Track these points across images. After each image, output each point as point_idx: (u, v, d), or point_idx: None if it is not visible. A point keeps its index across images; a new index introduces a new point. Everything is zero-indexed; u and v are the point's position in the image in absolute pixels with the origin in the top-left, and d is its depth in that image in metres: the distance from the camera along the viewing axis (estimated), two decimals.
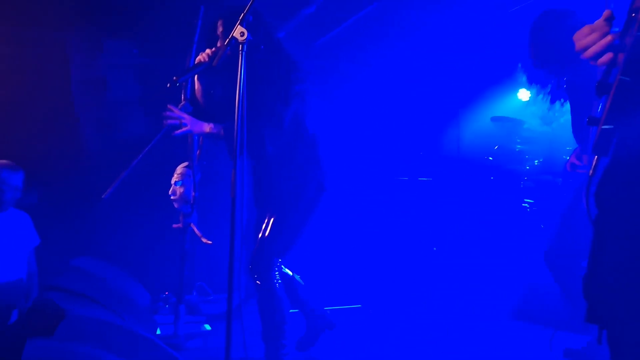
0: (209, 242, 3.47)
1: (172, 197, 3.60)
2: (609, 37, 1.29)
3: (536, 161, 5.56)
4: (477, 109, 6.03)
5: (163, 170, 3.81)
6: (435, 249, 5.65)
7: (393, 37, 5.47)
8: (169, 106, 2.94)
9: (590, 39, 1.31)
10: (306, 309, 3.20)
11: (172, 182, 3.61)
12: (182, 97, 3.55)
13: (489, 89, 5.97)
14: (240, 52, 2.25)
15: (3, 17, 4.87)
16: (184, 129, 2.91)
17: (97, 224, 4.94)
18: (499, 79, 5.78)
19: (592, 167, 1.43)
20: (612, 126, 1.32)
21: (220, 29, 2.95)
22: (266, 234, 2.89)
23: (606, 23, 1.30)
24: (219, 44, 2.94)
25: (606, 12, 1.31)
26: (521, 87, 6.02)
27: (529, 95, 6.10)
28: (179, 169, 3.63)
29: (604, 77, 1.32)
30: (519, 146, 5.71)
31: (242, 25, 2.23)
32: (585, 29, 1.34)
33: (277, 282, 2.86)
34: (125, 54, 5.25)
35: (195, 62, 2.84)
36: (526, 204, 5.29)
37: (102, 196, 3.33)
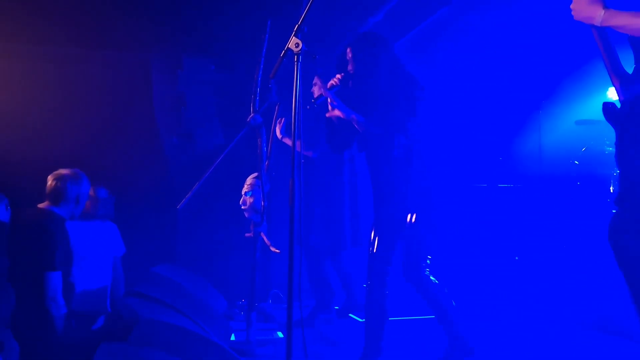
0: (278, 250, 3.53)
1: (242, 207, 3.70)
2: None
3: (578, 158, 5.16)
4: (560, 112, 5.71)
5: (234, 182, 3.94)
6: (517, 258, 5.40)
7: (465, 39, 5.32)
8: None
9: None
10: (446, 320, 3.14)
11: (243, 192, 3.71)
12: (252, 110, 3.65)
13: (572, 88, 5.63)
14: (296, 62, 2.27)
15: (91, 40, 5.27)
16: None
17: (177, 232, 5.19)
18: (584, 77, 5.44)
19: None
20: None
21: (349, 55, 3.18)
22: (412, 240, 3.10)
23: None
24: (349, 68, 3.18)
25: None
26: (611, 86, 5.64)
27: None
28: (249, 179, 3.73)
29: None
30: (609, 148, 5.33)
31: (296, 37, 2.26)
32: None
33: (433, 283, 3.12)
34: (203, 70, 5.49)
35: (328, 86, 3.14)
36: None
37: (177, 206, 3.49)
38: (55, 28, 4.96)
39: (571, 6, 2.12)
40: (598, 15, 2.03)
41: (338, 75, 3.16)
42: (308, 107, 4.02)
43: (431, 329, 3.88)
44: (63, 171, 3.78)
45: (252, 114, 3.62)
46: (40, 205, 3.62)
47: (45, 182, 3.99)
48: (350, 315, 4.50)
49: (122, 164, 5.09)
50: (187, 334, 2.68)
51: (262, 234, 3.61)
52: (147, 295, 3.43)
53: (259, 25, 3.90)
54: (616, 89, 2.12)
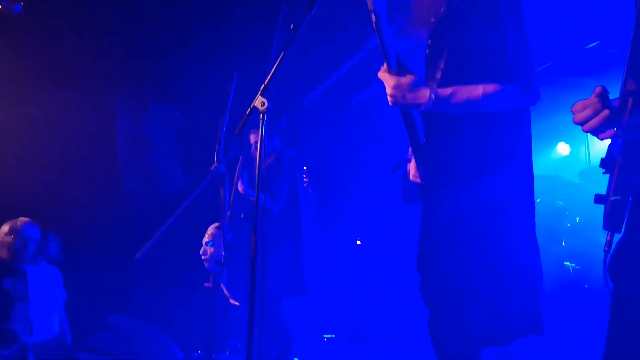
0: (237, 303, 3.49)
1: (203, 257, 3.66)
2: (605, 112, 1.27)
3: (577, 218, 5.36)
4: None
5: (195, 231, 3.90)
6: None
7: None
8: None
9: (585, 114, 1.30)
10: None
11: (204, 242, 3.69)
12: (215, 159, 3.67)
13: None
14: (261, 120, 2.32)
15: (55, 81, 5.23)
16: None
17: (134, 280, 5.07)
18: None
19: (607, 242, 1.39)
20: (619, 197, 1.30)
21: None
22: None
23: (598, 99, 1.29)
24: None
25: (598, 89, 1.30)
26: (560, 141, 5.89)
27: (569, 149, 5.97)
28: (210, 229, 3.71)
29: (608, 155, 1.30)
30: (560, 202, 5.53)
31: (262, 96, 2.31)
32: (579, 104, 1.33)
33: None
34: (167, 115, 5.50)
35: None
36: (569, 265, 5.08)
37: (136, 256, 3.43)
38: (19, 67, 4.91)
39: (389, 92, 1.81)
40: (428, 99, 1.76)
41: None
42: None
43: None
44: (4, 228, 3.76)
45: (215, 164, 3.64)
46: None
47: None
48: None
49: (81, 207, 4.99)
50: None
51: (222, 285, 3.58)
52: (99, 349, 3.32)
53: (225, 75, 3.98)
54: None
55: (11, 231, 3.91)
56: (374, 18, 1.70)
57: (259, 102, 2.32)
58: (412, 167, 2.31)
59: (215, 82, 4.72)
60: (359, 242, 6.15)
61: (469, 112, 1.83)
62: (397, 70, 1.80)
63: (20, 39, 4.50)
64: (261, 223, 2.32)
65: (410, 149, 2.41)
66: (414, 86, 1.77)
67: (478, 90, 1.78)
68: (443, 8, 1.92)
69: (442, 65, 1.90)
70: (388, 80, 1.80)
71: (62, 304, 4.25)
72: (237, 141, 3.57)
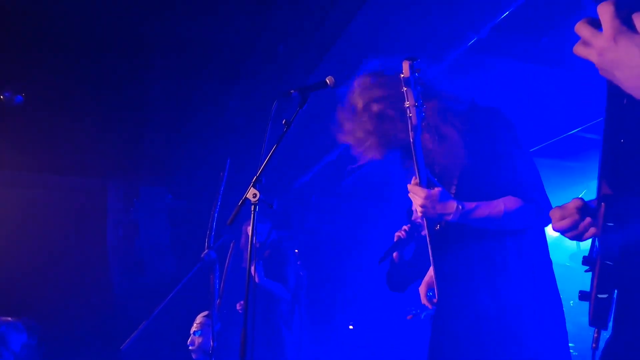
0: None
1: (190, 347, 3.56)
2: (585, 222, 1.31)
3: (571, 302, 5.31)
4: None
5: (183, 319, 3.82)
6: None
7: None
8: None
9: (564, 224, 1.34)
10: None
11: (192, 331, 3.59)
12: (206, 245, 3.65)
13: None
14: (253, 211, 2.34)
15: (47, 165, 5.28)
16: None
17: None
18: None
19: (594, 339, 1.38)
20: (605, 295, 1.31)
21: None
22: None
23: (576, 211, 1.33)
24: None
25: (575, 202, 1.34)
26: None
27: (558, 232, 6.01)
28: (199, 318, 3.63)
29: (590, 252, 1.33)
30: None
31: (254, 187, 2.35)
32: (556, 212, 1.38)
33: None
34: (159, 199, 5.53)
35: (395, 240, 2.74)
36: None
37: (121, 348, 3.32)
38: (12, 152, 4.97)
39: (419, 203, 1.92)
40: (454, 213, 1.89)
41: (405, 227, 2.80)
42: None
43: None
44: None
45: (206, 250, 3.61)
46: None
47: None
48: None
49: (68, 291, 4.90)
50: None
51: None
52: None
53: (218, 161, 4.03)
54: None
55: None
56: (412, 140, 1.91)
57: (251, 193, 2.35)
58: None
59: (207, 168, 4.79)
60: (351, 327, 6.03)
61: (490, 226, 1.94)
62: (427, 184, 1.96)
63: (15, 125, 4.57)
64: (252, 311, 2.28)
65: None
66: (443, 198, 1.91)
67: (500, 205, 1.92)
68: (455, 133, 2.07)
69: (455, 182, 2.07)
70: (419, 192, 1.93)
71: None
72: (228, 229, 3.58)
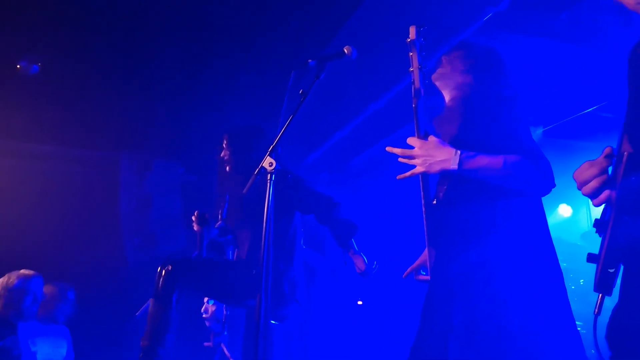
0: None
1: (204, 315, 3.61)
2: (605, 176, 1.29)
3: (581, 281, 5.32)
4: None
5: None
6: None
7: None
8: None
9: (589, 173, 1.32)
10: None
11: (205, 300, 3.64)
12: (219, 217, 3.69)
13: None
14: (269, 180, 2.35)
15: (63, 139, 5.32)
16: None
17: (133, 339, 4.95)
18: None
19: (597, 305, 1.38)
20: (613, 269, 1.30)
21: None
22: None
23: (606, 160, 1.31)
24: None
25: (607, 149, 1.33)
26: (561, 203, 5.92)
27: (571, 211, 5.99)
28: None
29: (602, 216, 1.32)
30: (563, 264, 5.50)
31: (271, 156, 2.36)
32: (586, 164, 1.35)
33: None
34: (171, 172, 5.56)
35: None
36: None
37: (136, 314, 3.38)
38: (26, 125, 5.01)
39: (416, 153, 1.90)
40: (453, 158, 1.86)
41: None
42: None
43: None
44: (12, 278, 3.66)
45: (220, 221, 3.65)
46: None
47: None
48: None
49: (82, 263, 4.97)
50: None
51: (222, 345, 3.51)
52: None
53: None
54: None
55: (20, 286, 3.66)
56: (414, 104, 1.93)
57: (267, 162, 2.37)
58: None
59: (220, 137, 4.80)
60: (360, 302, 6.07)
61: (491, 179, 1.89)
62: (423, 136, 1.97)
63: (30, 96, 4.60)
64: (267, 280, 2.31)
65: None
66: (440, 145, 1.90)
67: (500, 157, 1.88)
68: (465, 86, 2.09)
69: (455, 132, 2.04)
70: (415, 142, 1.93)
71: None
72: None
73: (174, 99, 4.59)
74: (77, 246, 5.12)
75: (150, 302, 2.94)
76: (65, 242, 5.12)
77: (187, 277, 2.99)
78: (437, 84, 2.22)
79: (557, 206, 5.96)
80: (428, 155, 1.89)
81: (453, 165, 1.87)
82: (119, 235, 5.29)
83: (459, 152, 1.87)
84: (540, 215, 2.06)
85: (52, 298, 4.15)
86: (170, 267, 2.95)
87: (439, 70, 2.22)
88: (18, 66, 4.07)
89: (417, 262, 2.32)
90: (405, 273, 2.34)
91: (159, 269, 2.95)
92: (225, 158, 3.38)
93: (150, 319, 2.92)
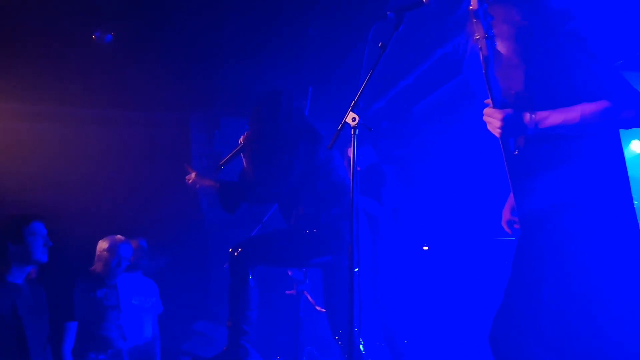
0: (323, 310, 3.58)
1: None
2: None
3: None
4: None
5: None
6: None
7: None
8: None
9: None
10: None
11: None
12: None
13: None
14: (353, 135, 2.42)
15: (134, 103, 5.53)
16: None
17: (210, 289, 5.26)
18: None
19: None
20: None
21: None
22: None
23: None
24: None
25: None
26: (634, 139, 5.72)
27: None
28: None
29: None
30: (636, 202, 5.36)
31: (353, 111, 2.42)
32: None
33: None
34: (240, 130, 5.69)
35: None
36: None
37: (224, 266, 3.58)
38: (97, 92, 5.23)
39: (497, 125, 1.95)
40: (530, 120, 1.92)
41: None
42: None
43: None
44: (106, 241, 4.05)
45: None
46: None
47: (86, 238, 4.23)
48: None
49: (159, 221, 5.24)
50: None
51: (305, 292, 3.69)
52: (193, 354, 3.52)
53: (300, 90, 4.10)
54: None
55: (110, 249, 4.12)
56: (485, 71, 1.91)
57: (350, 117, 2.43)
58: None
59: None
60: (426, 248, 6.14)
61: (569, 132, 1.92)
62: (501, 106, 1.98)
63: (105, 65, 4.78)
64: (356, 227, 2.39)
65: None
66: (518, 115, 1.94)
67: (576, 110, 1.88)
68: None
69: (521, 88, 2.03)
70: (496, 114, 1.96)
71: (157, 314, 4.49)
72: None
73: (241, 57, 4.64)
74: (153, 208, 5.36)
75: (229, 285, 3.16)
76: (142, 205, 5.37)
77: (255, 256, 3.23)
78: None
79: (629, 142, 5.76)
80: (509, 125, 1.94)
81: (529, 129, 1.93)
82: (194, 195, 5.50)
83: (533, 116, 1.92)
84: (618, 149, 2.04)
85: (139, 255, 4.48)
86: (239, 250, 3.17)
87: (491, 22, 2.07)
88: (93, 36, 4.22)
89: (507, 213, 2.35)
90: (503, 221, 2.38)
91: (230, 252, 3.20)
92: (254, 127, 3.53)
93: (231, 301, 3.14)
